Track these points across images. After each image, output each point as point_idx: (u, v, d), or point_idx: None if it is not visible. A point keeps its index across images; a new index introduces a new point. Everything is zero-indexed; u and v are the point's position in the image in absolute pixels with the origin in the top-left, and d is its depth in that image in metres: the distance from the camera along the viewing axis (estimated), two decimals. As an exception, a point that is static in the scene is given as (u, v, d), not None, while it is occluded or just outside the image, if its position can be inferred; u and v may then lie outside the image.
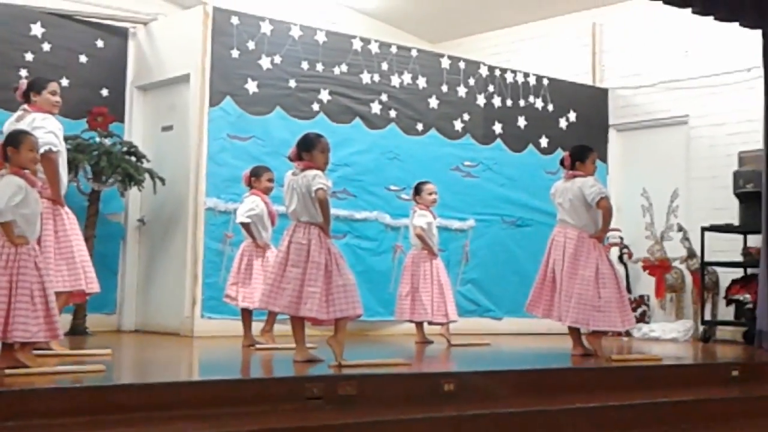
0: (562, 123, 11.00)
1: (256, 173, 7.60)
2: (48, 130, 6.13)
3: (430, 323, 8.21)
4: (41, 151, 5.57)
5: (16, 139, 5.24)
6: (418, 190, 8.36)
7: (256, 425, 4.58)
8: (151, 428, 4.33)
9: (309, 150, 6.05)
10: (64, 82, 8.43)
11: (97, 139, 8.42)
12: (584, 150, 7.26)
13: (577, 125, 11.07)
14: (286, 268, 5.86)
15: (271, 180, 7.61)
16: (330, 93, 9.31)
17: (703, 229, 9.66)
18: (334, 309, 5.77)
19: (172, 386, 4.93)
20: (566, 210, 7.15)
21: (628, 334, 9.79)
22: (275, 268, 5.96)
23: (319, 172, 5.94)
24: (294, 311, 5.81)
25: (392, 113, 9.75)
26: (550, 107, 10.93)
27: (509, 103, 10.63)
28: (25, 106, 6.34)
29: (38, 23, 8.74)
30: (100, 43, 9.11)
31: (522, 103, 10.72)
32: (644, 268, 10.56)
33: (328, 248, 5.89)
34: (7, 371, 4.90)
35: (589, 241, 7.01)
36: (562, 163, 7.31)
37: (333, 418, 4.87)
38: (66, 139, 6.72)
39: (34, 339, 5.05)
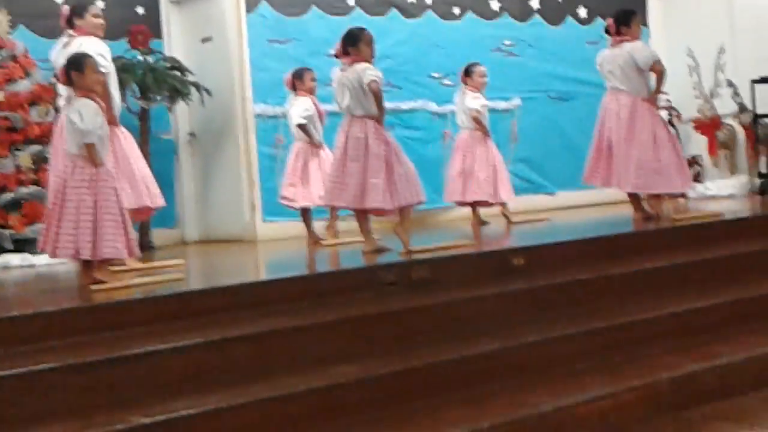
0: (600, -9, 10.81)
1: (299, 75, 7.61)
2: (95, 52, 6.15)
3: (478, 204, 8.25)
4: (92, 73, 5.63)
5: (79, 62, 5.32)
6: (468, 72, 8.30)
7: (338, 314, 4.74)
8: (238, 327, 4.49)
9: (354, 44, 6.07)
10: (100, 4, 8.42)
11: (140, 58, 8.46)
12: (628, 14, 7.17)
13: (614, -9, 10.86)
14: (345, 164, 5.94)
15: (313, 80, 7.64)
16: (364, -14, 9.25)
17: (753, 82, 9.55)
18: (398, 198, 5.87)
19: (252, 286, 5.11)
20: (617, 77, 7.09)
21: (683, 195, 9.78)
22: (335, 164, 6.05)
23: (368, 65, 5.96)
24: (359, 204, 5.92)
25: (428, 0, 9.66)
26: (584, -25, 10.73)
27: (544, -25, 10.46)
28: (70, 31, 6.38)
29: (66, -53, 8.71)
30: (130, -39, 9.07)
31: (557, -26, 10.55)
32: (695, 127, 10.50)
33: (386, 139, 5.96)
34: (94, 287, 5.08)
35: (643, 106, 6.97)
36: (607, 30, 7.23)
37: (410, 302, 5.01)
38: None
39: (120, 256, 5.23)
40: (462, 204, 8.42)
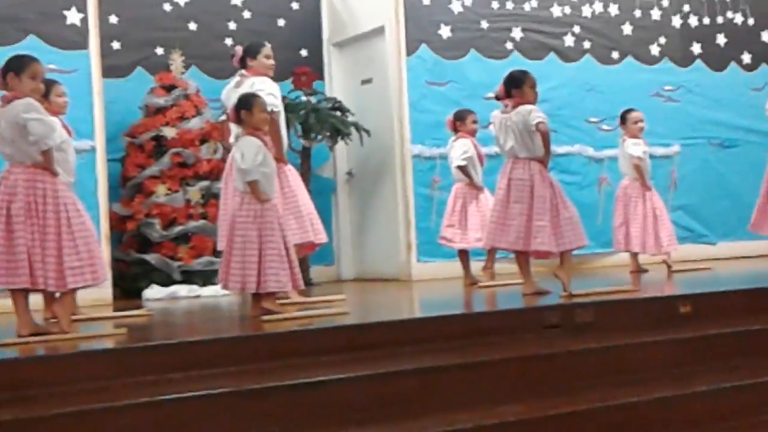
0: (765, 37, 10.53)
1: (461, 117, 7.70)
2: (267, 92, 6.38)
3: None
4: (263, 112, 5.83)
5: (249, 102, 5.54)
6: (623, 118, 8.20)
7: (502, 354, 4.74)
8: (403, 361, 4.54)
9: (519, 86, 6.08)
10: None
11: (303, 98, 8.72)
12: (802, 59, 6.98)
13: (780, 37, 10.58)
14: (508, 206, 5.94)
15: (475, 122, 7.71)
16: (522, 30, 9.27)
17: None
18: (562, 241, 5.84)
19: (415, 322, 5.17)
20: (786, 123, 6.91)
21: None
22: (497, 206, 6.06)
23: (534, 107, 5.97)
24: (523, 246, 5.90)
25: (586, 44, 9.61)
26: (751, 21, 10.47)
27: (706, 21, 10.26)
28: (243, 71, 6.64)
29: (237, -8, 9.11)
30: (295, 6, 9.39)
31: (720, 20, 10.32)
32: None
33: (551, 182, 5.95)
34: (263, 317, 5.23)
35: (816, 153, 6.76)
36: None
37: (574, 345, 4.96)
38: (278, 99, 6.99)
39: (285, 288, 5.37)
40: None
